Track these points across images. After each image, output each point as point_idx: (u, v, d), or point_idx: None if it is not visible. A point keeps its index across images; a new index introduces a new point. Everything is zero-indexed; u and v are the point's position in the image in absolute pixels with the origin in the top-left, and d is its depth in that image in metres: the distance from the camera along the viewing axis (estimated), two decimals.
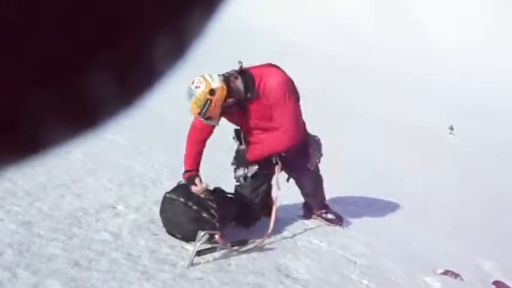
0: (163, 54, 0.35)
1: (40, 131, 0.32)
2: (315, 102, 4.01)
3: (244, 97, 3.52)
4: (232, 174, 3.95)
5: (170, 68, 0.36)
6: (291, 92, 3.60)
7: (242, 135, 3.83)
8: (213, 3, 0.35)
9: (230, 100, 3.46)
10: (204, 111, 3.36)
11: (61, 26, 0.30)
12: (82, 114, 0.33)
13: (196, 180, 3.59)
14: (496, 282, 4.03)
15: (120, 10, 0.31)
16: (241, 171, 3.83)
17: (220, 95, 3.37)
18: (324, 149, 4.12)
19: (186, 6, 0.34)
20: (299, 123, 3.74)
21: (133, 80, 0.34)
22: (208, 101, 3.34)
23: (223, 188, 3.87)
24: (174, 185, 3.74)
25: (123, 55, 0.33)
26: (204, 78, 3.38)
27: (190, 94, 3.38)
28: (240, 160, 3.87)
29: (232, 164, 3.94)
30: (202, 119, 3.50)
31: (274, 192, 3.89)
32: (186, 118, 3.84)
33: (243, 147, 3.84)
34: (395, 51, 23.31)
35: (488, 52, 25.17)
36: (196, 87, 3.35)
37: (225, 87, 3.40)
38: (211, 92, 3.34)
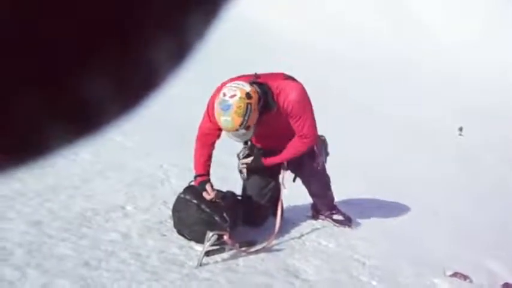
0: (166, 55, 0.35)
1: (40, 133, 0.33)
2: (321, 101, 4.00)
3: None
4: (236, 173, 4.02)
5: (174, 69, 0.36)
6: (310, 103, 3.60)
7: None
8: (215, 4, 0.36)
9: (261, 102, 3.33)
10: (246, 118, 3.19)
11: (61, 26, 0.31)
12: (84, 115, 0.34)
13: (207, 186, 3.59)
14: (505, 285, 4.01)
15: (122, 11, 0.32)
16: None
17: (255, 97, 3.25)
18: (331, 149, 4.12)
19: (187, 7, 0.34)
20: (316, 130, 3.75)
21: (135, 81, 0.35)
22: (249, 106, 3.19)
23: (228, 185, 3.89)
24: (183, 184, 3.76)
25: (125, 56, 0.33)
26: (234, 86, 3.24)
27: (227, 106, 3.18)
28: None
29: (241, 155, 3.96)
30: (239, 134, 3.31)
31: (281, 192, 3.90)
32: (192, 118, 3.84)
33: (248, 146, 3.87)
34: (400, 49, 23.25)
35: (493, 47, 25.06)
36: (231, 96, 3.18)
37: (255, 89, 3.30)
38: (248, 95, 3.20)
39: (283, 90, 3.47)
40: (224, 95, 3.22)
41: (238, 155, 3.96)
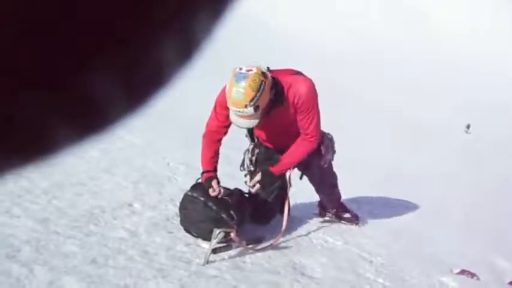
0: (173, 53, 0.35)
1: (48, 131, 0.33)
2: (329, 100, 3.99)
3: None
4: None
5: (181, 67, 0.36)
6: (317, 99, 3.59)
7: (255, 134, 3.83)
8: (220, 3, 0.35)
9: (273, 90, 3.30)
10: (258, 95, 3.13)
11: (67, 25, 0.30)
12: (92, 114, 0.34)
13: (213, 183, 3.58)
14: None
15: (130, 9, 0.32)
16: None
17: (269, 80, 3.24)
18: (339, 147, 4.11)
19: (195, 5, 0.34)
20: (321, 129, 3.74)
21: (142, 80, 0.35)
22: (263, 83, 3.15)
23: (235, 182, 3.89)
24: (190, 182, 3.76)
25: (133, 54, 0.33)
26: (251, 65, 3.22)
27: (243, 77, 3.12)
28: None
29: (245, 165, 3.92)
30: (246, 113, 3.19)
31: (288, 190, 3.89)
32: (200, 116, 3.84)
33: (255, 143, 3.85)
34: (403, 44, 23.16)
35: (497, 41, 24.95)
36: (248, 70, 3.16)
37: (270, 75, 3.29)
38: (264, 74, 3.20)
39: (293, 85, 3.46)
40: (241, 68, 3.19)
41: (247, 181, 3.86)
